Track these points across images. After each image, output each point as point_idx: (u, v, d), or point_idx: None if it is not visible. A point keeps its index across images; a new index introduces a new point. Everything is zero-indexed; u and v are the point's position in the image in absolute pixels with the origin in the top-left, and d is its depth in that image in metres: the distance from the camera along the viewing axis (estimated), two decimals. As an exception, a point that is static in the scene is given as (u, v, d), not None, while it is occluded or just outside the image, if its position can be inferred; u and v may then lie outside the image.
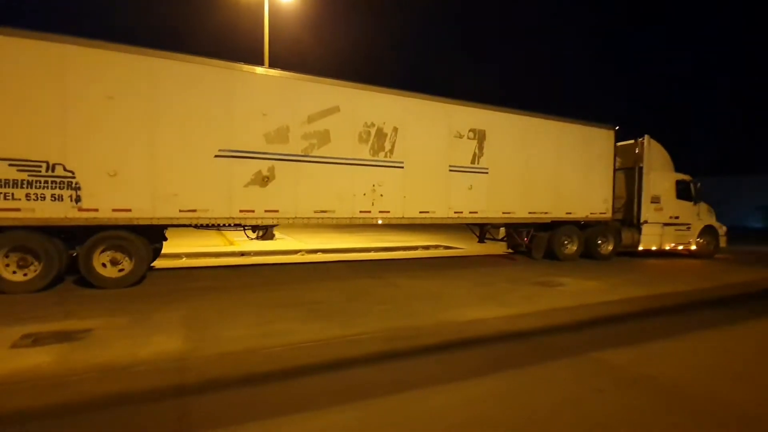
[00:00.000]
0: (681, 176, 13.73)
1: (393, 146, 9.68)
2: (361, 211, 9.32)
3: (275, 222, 8.74)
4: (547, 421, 2.96)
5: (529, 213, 11.56)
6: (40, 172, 6.71)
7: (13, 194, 6.53)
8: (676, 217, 13.53)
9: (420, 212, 10.08)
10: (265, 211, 8.37)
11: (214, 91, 7.98)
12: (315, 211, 8.85)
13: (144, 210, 7.40)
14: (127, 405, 3.04)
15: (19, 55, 6.54)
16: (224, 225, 8.41)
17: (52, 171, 6.77)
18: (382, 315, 5.81)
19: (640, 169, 12.98)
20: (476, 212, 10.84)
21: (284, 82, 8.69)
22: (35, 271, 6.92)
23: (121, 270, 7.40)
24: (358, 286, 7.79)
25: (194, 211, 7.78)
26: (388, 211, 9.65)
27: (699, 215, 14.07)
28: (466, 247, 15.08)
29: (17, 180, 6.57)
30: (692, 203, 13.75)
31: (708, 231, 14.15)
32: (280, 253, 12.32)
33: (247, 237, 9.06)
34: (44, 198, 6.74)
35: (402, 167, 9.78)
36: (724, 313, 6.71)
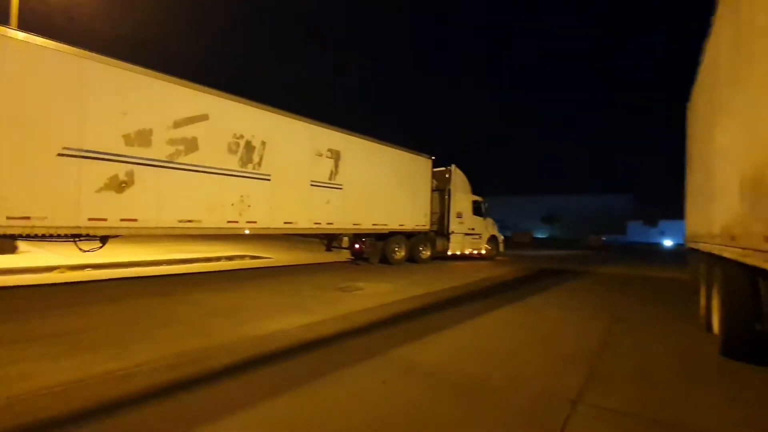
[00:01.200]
0: (476, 197, 16.80)
1: (261, 159, 9.19)
2: (228, 221, 8.59)
3: (133, 232, 7.20)
4: (341, 418, 2.81)
5: (373, 224, 12.51)
6: None
7: None
8: (473, 229, 16.60)
9: (284, 223, 9.87)
10: (121, 219, 6.98)
11: (65, 82, 6.30)
12: (180, 221, 7.75)
13: None
14: None
15: None
16: (65, 236, 6.55)
17: None
18: (168, 338, 4.58)
19: (449, 191, 15.57)
20: (332, 223, 11.18)
21: (148, 82, 7.31)
22: None
23: None
24: (140, 307, 6.13)
25: (28, 218, 6.00)
26: (255, 222, 9.10)
27: (487, 227, 17.43)
28: (275, 256, 14.03)
29: None
30: (483, 218, 16.98)
31: (492, 239, 17.77)
32: (26, 272, 8.56)
33: (81, 250, 7.11)
34: None
35: (269, 180, 9.35)
36: (484, 303, 7.33)
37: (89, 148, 6.63)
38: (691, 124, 9.85)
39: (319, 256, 14.38)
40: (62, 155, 6.37)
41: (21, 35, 6.11)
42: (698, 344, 5.22)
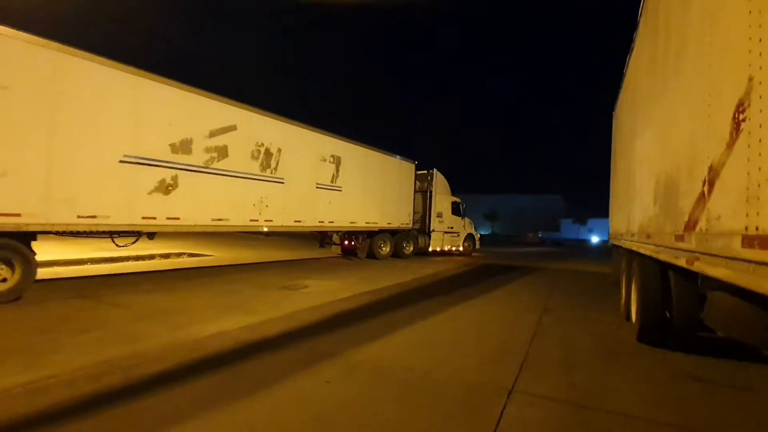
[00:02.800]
0: (455, 198, 17.47)
1: (277, 164, 9.94)
2: (250, 220, 9.28)
3: (176, 229, 7.89)
4: (283, 422, 2.65)
5: (366, 223, 13.29)
6: None
7: None
8: (452, 227, 17.33)
9: (295, 221, 10.53)
10: (167, 218, 7.52)
11: (122, 96, 6.85)
12: (213, 219, 8.38)
13: (36, 215, 5.76)
14: None
15: None
16: (121, 233, 7.18)
17: None
18: (88, 346, 3.90)
19: (431, 192, 16.29)
20: (333, 222, 11.93)
21: (189, 97, 7.92)
22: None
23: (4, 280, 5.62)
24: (55, 312, 5.21)
25: (94, 217, 6.44)
26: (272, 220, 9.80)
27: (465, 226, 18.04)
28: (217, 254, 12.76)
29: None
30: (461, 218, 17.72)
31: (469, 237, 18.37)
32: None
33: (116, 245, 7.56)
34: None
35: (283, 183, 10.10)
36: (429, 299, 7.17)
37: (143, 156, 7.15)
38: (616, 131, 10.61)
39: (301, 253, 14.47)
40: (122, 162, 6.87)
41: (98, 59, 6.57)
42: (618, 332, 5.34)
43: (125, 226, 7.05)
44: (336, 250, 14.68)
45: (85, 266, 9.56)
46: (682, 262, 3.09)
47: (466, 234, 18.25)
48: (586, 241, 55.66)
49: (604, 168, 11.75)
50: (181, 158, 7.81)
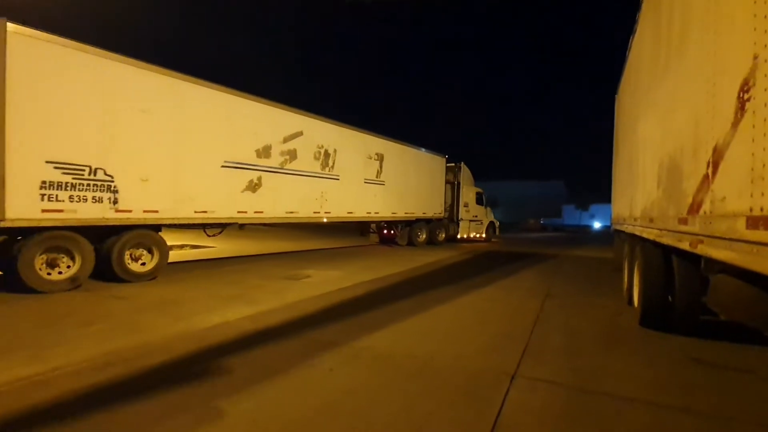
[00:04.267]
0: (478, 189, 17.99)
1: (333, 163, 10.98)
2: (314, 212, 10.42)
3: (260, 221, 9.22)
4: (287, 409, 2.63)
5: (405, 213, 14.17)
6: (83, 175, 5.83)
7: (57, 196, 5.59)
8: (476, 216, 18.04)
9: (347, 213, 11.56)
10: (255, 212, 8.76)
11: (221, 112, 8.05)
12: (286, 212, 9.60)
13: (168, 210, 7.03)
14: None
15: (65, 64, 5.68)
16: (222, 224, 8.52)
17: (94, 175, 5.98)
18: (93, 338, 3.81)
19: (458, 183, 16.91)
20: (378, 213, 12.87)
21: (268, 109, 9.11)
22: (68, 270, 5.91)
23: (144, 264, 6.95)
24: (57, 304, 5.09)
25: (206, 212, 7.72)
26: (330, 212, 10.90)
27: (487, 215, 18.67)
28: (219, 245, 11.99)
29: (61, 182, 5.61)
30: (483, 207, 18.32)
31: (491, 225, 19.13)
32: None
33: (207, 235, 8.76)
34: (86, 200, 5.92)
35: (338, 179, 11.16)
36: (432, 287, 7.00)
37: (237, 161, 8.40)
38: (618, 114, 10.40)
39: (344, 242, 15.37)
40: (223, 167, 8.10)
41: (203, 83, 7.83)
42: (620, 317, 5.03)
43: (226, 218, 8.20)
44: (374, 239, 15.57)
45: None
46: (685, 246, 3.05)
47: (488, 222, 18.96)
48: (588, 227, 55.30)
49: (606, 153, 11.58)
50: (264, 161, 9.03)
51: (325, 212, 10.93)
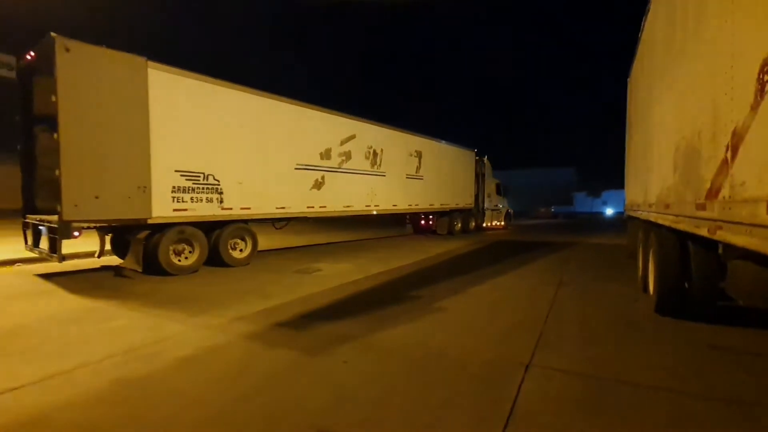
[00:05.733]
0: (497, 180, 18.79)
1: (381, 162, 11.88)
2: (365, 206, 11.37)
3: (324, 215, 10.24)
4: (303, 400, 2.66)
5: (441, 204, 14.87)
6: (199, 180, 7.19)
7: (182, 198, 7.03)
8: (497, 206, 18.96)
9: (392, 206, 12.46)
10: (320, 207, 9.78)
11: (291, 121, 9.26)
12: (344, 206, 10.61)
13: (257, 207, 8.28)
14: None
15: (187, 92, 7.33)
16: (295, 218, 9.76)
17: (207, 180, 7.32)
18: (114, 335, 3.91)
19: (483, 176, 17.69)
20: (418, 204, 13.53)
21: (327, 117, 9.98)
22: (191, 256, 7.37)
23: (241, 251, 8.33)
24: (76, 303, 5.23)
25: (284, 208, 8.89)
26: (378, 205, 11.84)
27: (504, 204, 19.52)
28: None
29: (185, 187, 7.02)
30: (502, 197, 19.17)
31: (507, 214, 20.04)
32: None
33: (275, 228, 9.91)
34: (201, 200, 7.29)
35: (385, 176, 12.09)
36: (444, 277, 6.84)
37: (305, 163, 9.51)
38: (631, 98, 10.09)
39: (383, 233, 16.29)
40: (296, 169, 9.25)
41: (276, 97, 9.15)
42: (635, 304, 4.76)
43: (298, 213, 9.25)
44: (409, 230, 16.39)
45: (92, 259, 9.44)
46: (703, 232, 2.99)
47: (506, 211, 20.08)
48: (600, 214, 54.38)
49: (618, 139, 11.29)
50: (325, 163, 9.96)
51: (375, 205, 11.94)
